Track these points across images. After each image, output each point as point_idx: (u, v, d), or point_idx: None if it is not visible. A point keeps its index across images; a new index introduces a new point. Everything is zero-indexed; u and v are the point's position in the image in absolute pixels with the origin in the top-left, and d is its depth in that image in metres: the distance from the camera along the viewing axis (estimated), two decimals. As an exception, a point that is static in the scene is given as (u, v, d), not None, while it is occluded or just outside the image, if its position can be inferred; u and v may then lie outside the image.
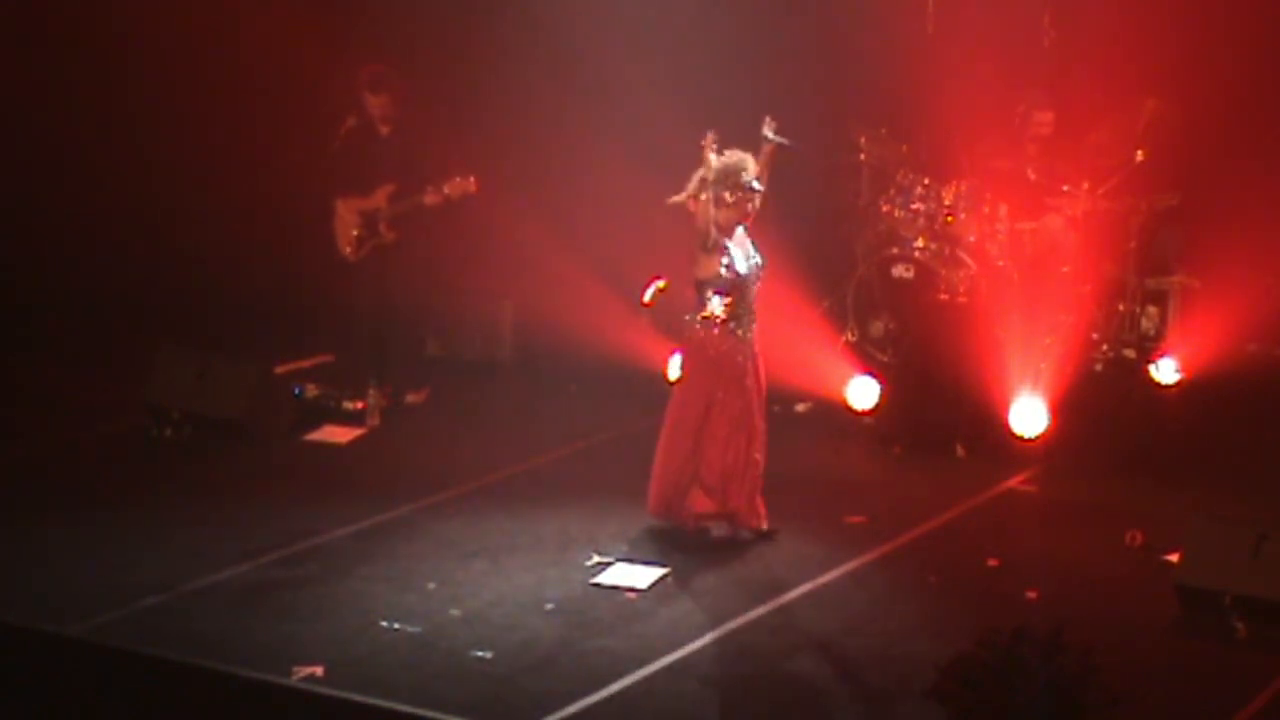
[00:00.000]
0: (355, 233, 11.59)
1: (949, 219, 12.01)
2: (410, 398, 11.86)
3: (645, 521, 9.56)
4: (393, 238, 11.60)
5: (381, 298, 11.71)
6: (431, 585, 8.83)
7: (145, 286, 13.14)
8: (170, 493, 10.18)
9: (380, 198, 11.55)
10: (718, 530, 9.46)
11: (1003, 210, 11.87)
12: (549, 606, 8.61)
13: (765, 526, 9.49)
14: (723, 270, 9.24)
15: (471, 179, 11.46)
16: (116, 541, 9.31)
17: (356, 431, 11.27)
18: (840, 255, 12.62)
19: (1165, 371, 11.69)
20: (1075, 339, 11.57)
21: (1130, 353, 11.87)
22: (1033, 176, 11.97)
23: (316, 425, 11.31)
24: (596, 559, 9.20)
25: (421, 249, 11.79)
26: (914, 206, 12.09)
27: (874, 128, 12.46)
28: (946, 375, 11.17)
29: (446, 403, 11.96)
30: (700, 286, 9.35)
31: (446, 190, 11.43)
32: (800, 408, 11.60)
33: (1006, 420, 11.01)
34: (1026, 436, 11.00)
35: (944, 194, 12.02)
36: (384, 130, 11.54)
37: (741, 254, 9.28)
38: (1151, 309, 12.08)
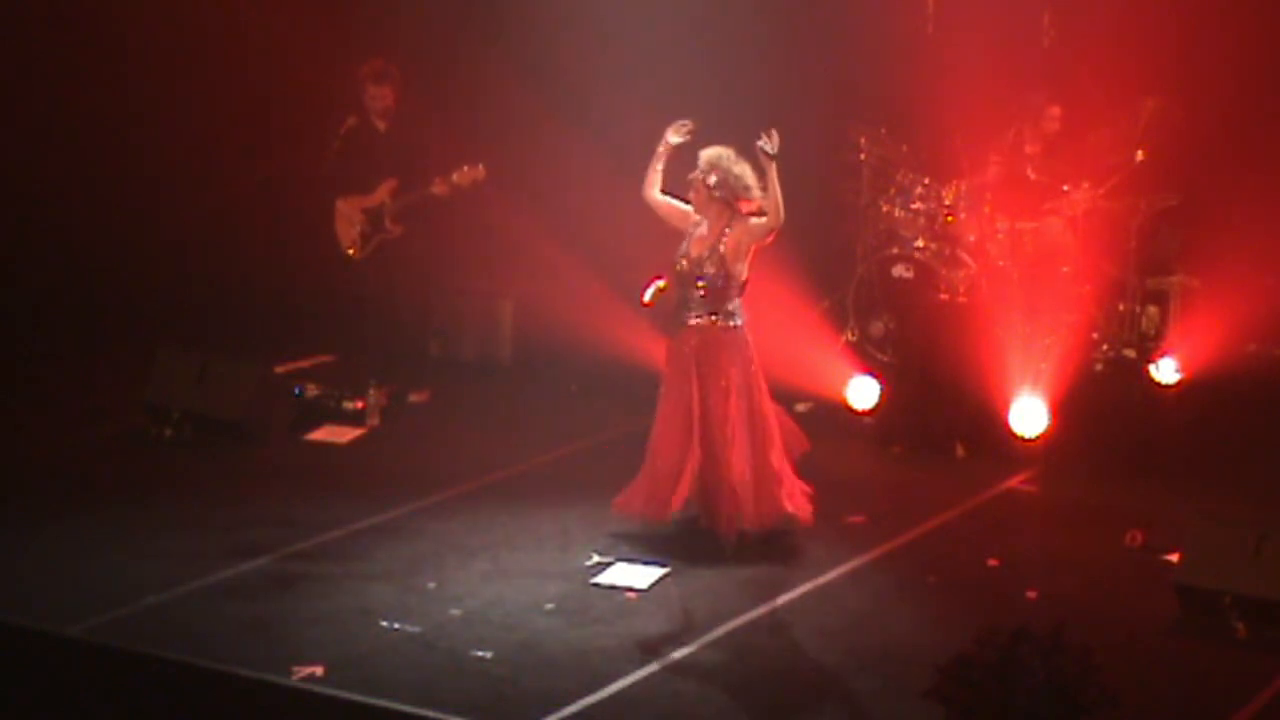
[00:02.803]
0: (360, 230, 11.60)
1: (949, 219, 12.03)
2: (412, 397, 11.87)
3: (645, 521, 9.55)
4: (399, 233, 11.62)
5: (388, 294, 11.71)
6: (431, 585, 8.83)
7: (145, 286, 13.14)
8: (170, 493, 10.17)
9: (383, 193, 11.58)
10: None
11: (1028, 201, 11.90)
12: (549, 606, 8.61)
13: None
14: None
15: (480, 166, 11.49)
16: (116, 541, 9.30)
17: (356, 431, 11.27)
18: (840, 255, 12.63)
19: (1165, 371, 11.69)
20: (1075, 339, 11.57)
21: (1130, 353, 11.86)
22: (1033, 176, 11.98)
23: (316, 425, 11.30)
24: (596, 559, 9.20)
25: (425, 244, 11.79)
26: (914, 206, 12.11)
27: (874, 128, 12.46)
28: (946, 375, 11.17)
29: (446, 403, 11.96)
30: None
31: (455, 179, 11.46)
32: (800, 408, 11.59)
33: (1006, 420, 11.01)
34: (1026, 436, 11.00)
35: (944, 194, 12.04)
36: (381, 126, 11.56)
37: (688, 244, 9.27)
38: (1151, 309, 12.08)
